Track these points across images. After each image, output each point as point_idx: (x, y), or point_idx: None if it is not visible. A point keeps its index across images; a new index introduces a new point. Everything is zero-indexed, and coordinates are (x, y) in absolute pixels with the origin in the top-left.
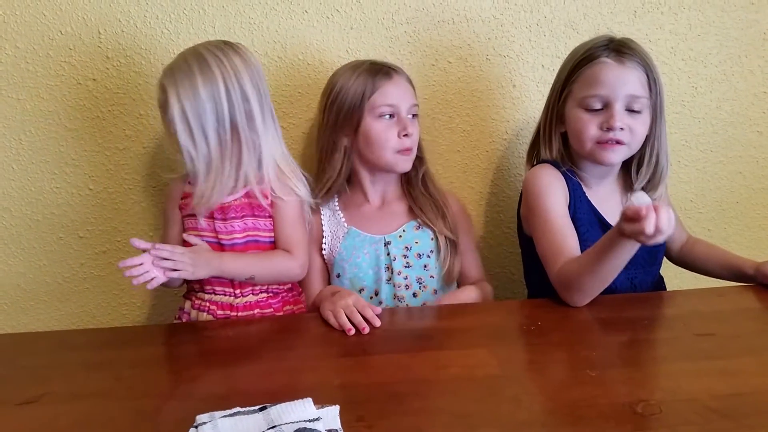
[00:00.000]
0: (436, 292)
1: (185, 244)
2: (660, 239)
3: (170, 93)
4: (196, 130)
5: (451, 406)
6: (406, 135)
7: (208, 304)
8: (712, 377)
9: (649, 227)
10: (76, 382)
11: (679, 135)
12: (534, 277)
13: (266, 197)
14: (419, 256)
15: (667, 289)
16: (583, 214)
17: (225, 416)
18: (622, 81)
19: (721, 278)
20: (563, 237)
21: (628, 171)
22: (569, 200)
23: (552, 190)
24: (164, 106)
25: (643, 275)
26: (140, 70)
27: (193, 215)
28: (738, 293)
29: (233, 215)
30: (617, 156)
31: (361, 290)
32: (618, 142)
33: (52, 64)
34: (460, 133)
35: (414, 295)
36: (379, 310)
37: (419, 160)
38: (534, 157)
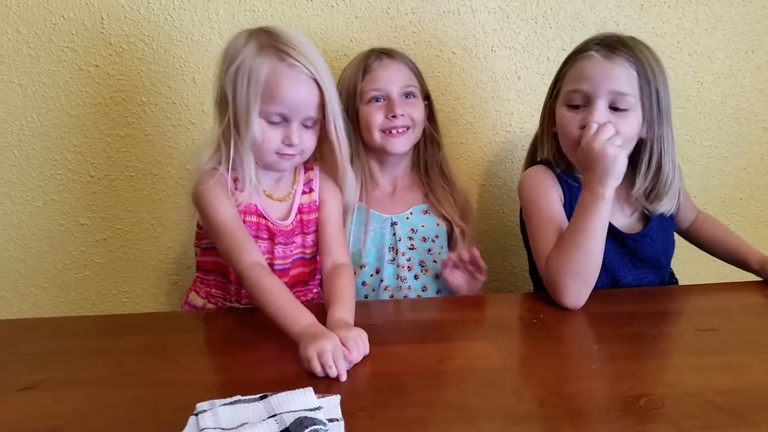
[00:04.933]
0: (437, 276)
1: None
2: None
3: None
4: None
5: (452, 397)
6: (393, 116)
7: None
8: (715, 372)
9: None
10: (76, 368)
11: (683, 130)
12: (537, 275)
13: (314, 210)
14: (424, 239)
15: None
16: None
17: (225, 404)
18: (606, 76)
19: (725, 261)
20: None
21: (630, 178)
22: (565, 202)
23: (543, 192)
24: None
25: (653, 276)
26: (143, 56)
27: (252, 236)
28: (742, 289)
29: (292, 239)
30: None
31: (362, 267)
32: None
33: (54, 50)
34: (464, 124)
35: (415, 277)
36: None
37: (435, 145)
38: (531, 159)
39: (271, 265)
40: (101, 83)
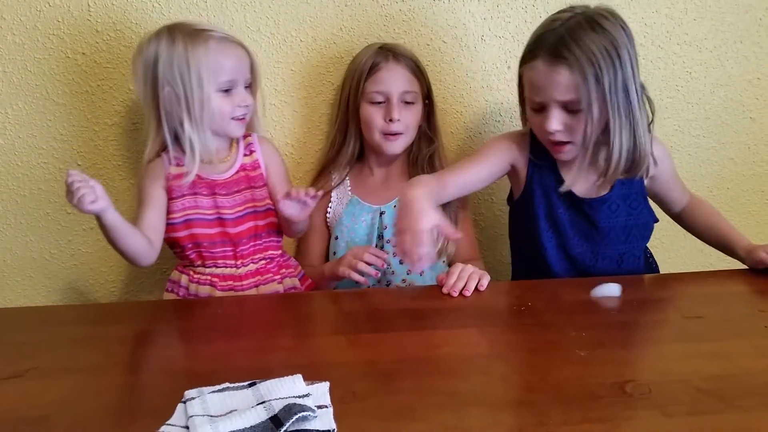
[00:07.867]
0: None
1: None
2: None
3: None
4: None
5: (441, 384)
6: (391, 120)
7: (209, 277)
8: (701, 359)
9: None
10: (63, 357)
11: (672, 120)
12: (518, 263)
13: (259, 167)
14: None
15: (658, 267)
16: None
17: (214, 392)
18: (551, 87)
19: (714, 248)
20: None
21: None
22: (527, 174)
23: (496, 140)
24: None
25: (610, 252)
26: (130, 44)
27: (189, 195)
28: (727, 277)
29: (235, 189)
30: (567, 156)
31: None
32: (559, 143)
33: (39, 37)
34: (454, 114)
35: (400, 262)
36: (375, 251)
37: (427, 141)
38: None
39: (220, 217)
40: (88, 71)
